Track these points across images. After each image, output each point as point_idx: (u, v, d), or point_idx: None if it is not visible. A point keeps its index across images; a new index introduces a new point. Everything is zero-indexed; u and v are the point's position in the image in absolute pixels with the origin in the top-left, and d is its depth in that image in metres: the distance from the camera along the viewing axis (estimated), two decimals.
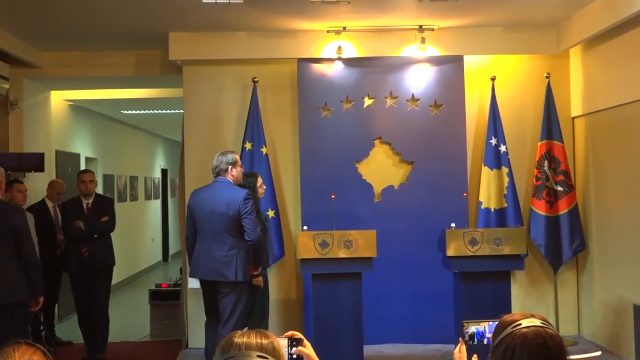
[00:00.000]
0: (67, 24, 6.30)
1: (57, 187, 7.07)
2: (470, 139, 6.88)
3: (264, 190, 5.93)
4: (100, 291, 6.52)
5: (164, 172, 15.71)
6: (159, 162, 15.28)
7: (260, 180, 5.85)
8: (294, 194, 6.79)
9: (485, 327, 2.42)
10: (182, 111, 7.05)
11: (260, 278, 5.64)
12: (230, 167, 5.30)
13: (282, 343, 1.73)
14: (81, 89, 8.83)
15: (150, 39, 6.78)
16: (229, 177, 5.31)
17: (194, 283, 5.71)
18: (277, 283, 6.84)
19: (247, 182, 5.65)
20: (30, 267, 4.70)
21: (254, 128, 6.58)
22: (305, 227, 5.70)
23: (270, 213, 6.51)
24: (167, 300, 7.62)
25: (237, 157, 5.42)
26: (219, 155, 5.38)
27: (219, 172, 5.34)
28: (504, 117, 6.76)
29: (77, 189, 6.69)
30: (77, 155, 9.66)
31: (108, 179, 11.09)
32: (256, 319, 5.79)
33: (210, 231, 5.24)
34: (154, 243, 14.41)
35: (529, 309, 6.21)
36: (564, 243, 6.71)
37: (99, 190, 10.01)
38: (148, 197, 13.95)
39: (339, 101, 6.72)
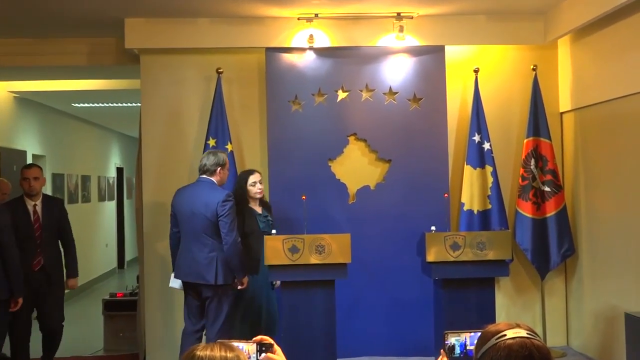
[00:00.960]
0: (12, 8, 6.21)
1: (1, 188, 6.91)
2: (452, 136, 6.92)
3: (259, 190, 5.96)
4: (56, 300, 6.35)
5: (119, 170, 15.58)
6: (114, 160, 15.15)
7: (253, 178, 5.94)
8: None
9: (467, 338, 2.43)
10: (139, 104, 7.00)
11: (246, 279, 5.67)
12: (219, 168, 5.62)
13: (251, 348, 1.72)
14: (28, 80, 8.72)
15: (105, 26, 6.71)
16: (215, 178, 5.62)
17: (174, 283, 5.80)
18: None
19: (239, 179, 5.97)
20: (9, 266, 4.79)
21: (218, 123, 6.56)
22: (273, 231, 5.67)
23: None
24: (122, 310, 7.55)
25: (227, 160, 5.74)
26: (209, 154, 5.68)
27: (205, 171, 5.62)
28: (487, 112, 6.81)
29: (20, 188, 6.28)
30: (23, 153, 9.53)
31: (57, 178, 10.96)
32: (269, 323, 5.90)
33: (191, 232, 5.58)
34: (109, 249, 14.28)
35: (514, 318, 6.23)
36: (551, 247, 6.77)
37: (47, 190, 9.90)
38: (102, 199, 13.83)
39: (310, 94, 6.72)
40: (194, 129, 6.81)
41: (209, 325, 5.55)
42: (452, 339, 2.38)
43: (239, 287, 5.66)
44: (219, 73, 6.64)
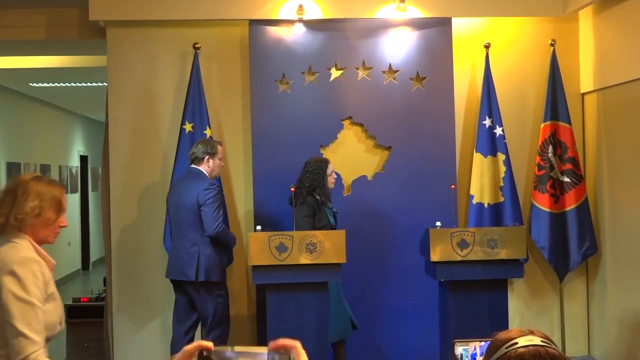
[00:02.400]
0: None
1: None
2: (460, 120, 6.94)
3: (334, 180, 6.20)
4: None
5: (83, 159, 15.55)
6: (77, 148, 15.12)
7: (331, 167, 6.16)
8: (244, 186, 6.77)
9: (477, 348, 2.45)
10: (106, 84, 6.98)
11: None
12: (207, 157, 5.88)
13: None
14: None
15: None
16: (204, 168, 5.90)
17: None
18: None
19: (317, 167, 6.05)
20: None
21: (195, 106, 6.56)
22: (258, 227, 5.69)
23: None
24: (87, 317, 7.55)
25: (220, 148, 6.00)
26: (199, 142, 5.99)
27: (193, 160, 5.94)
28: (500, 94, 6.83)
29: None
30: None
31: (13, 167, 10.94)
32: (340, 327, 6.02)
33: (176, 226, 5.95)
34: (71, 247, 14.27)
35: (529, 325, 6.26)
36: (571, 245, 6.80)
37: (1, 182, 9.87)
38: None
39: (299, 73, 6.72)
40: (168, 112, 6.80)
41: (203, 332, 5.82)
42: (461, 349, 2.40)
43: None
44: (196, 49, 6.63)
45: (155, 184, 6.74)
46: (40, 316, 2.94)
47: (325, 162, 6.18)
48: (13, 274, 2.92)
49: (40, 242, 3.12)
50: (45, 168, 12.55)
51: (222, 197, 6.01)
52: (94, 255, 15.63)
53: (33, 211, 3.04)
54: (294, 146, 6.65)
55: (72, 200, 14.53)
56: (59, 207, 3.14)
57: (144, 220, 6.72)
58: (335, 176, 6.27)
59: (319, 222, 5.97)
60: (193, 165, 5.95)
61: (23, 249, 3.02)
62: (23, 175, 3.18)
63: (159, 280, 6.66)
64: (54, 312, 3.08)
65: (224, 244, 5.97)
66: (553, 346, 1.78)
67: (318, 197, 6.02)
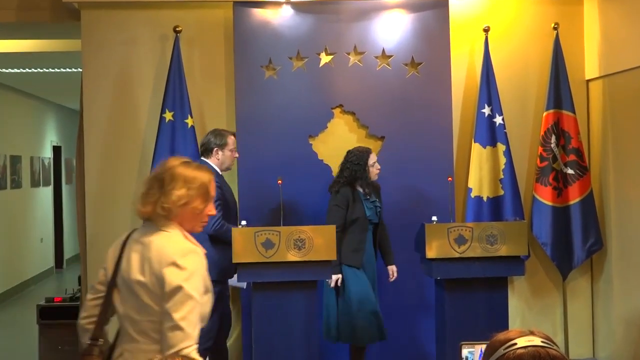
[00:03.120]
0: None
1: None
2: (457, 108, 6.94)
3: (378, 170, 6.24)
4: None
5: (56, 150, 15.50)
6: (50, 138, 15.07)
7: (373, 158, 6.22)
8: (228, 178, 6.74)
9: (472, 352, 2.46)
10: (80, 70, 6.96)
11: None
12: (215, 148, 5.98)
13: None
14: None
15: None
16: (213, 160, 5.97)
17: (235, 282, 5.98)
18: None
19: (358, 157, 6.13)
20: None
21: (175, 93, 6.55)
22: (243, 222, 5.69)
23: None
24: (61, 319, 7.52)
25: (232, 139, 6.06)
26: (209, 133, 6.11)
27: (202, 152, 6.07)
28: (500, 80, 6.84)
29: None
30: None
31: None
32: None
33: None
34: (44, 244, 14.23)
35: (531, 325, 6.28)
36: (575, 241, 6.83)
37: None
38: (35, 184, 13.76)
39: (287, 58, 6.71)
40: (146, 99, 6.79)
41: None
42: (467, 351, 2.41)
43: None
44: (176, 32, 6.61)
45: (134, 177, 6.72)
46: (197, 310, 2.98)
47: (367, 152, 6.23)
48: (176, 265, 2.95)
49: (188, 231, 3.14)
50: (15, 159, 12.50)
51: (224, 191, 5.96)
52: (68, 253, 15.59)
53: (180, 200, 3.07)
54: (280, 136, 6.64)
55: (45, 194, 14.50)
56: (207, 196, 3.15)
57: (122, 215, 6.69)
58: (380, 167, 6.26)
59: (352, 215, 6.04)
60: (202, 158, 6.03)
61: (179, 239, 3.06)
62: (171, 160, 3.20)
63: None
64: (207, 304, 3.13)
65: (226, 242, 5.83)
66: (554, 347, 1.78)
67: (360, 189, 6.12)
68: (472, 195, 6.78)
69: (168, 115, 6.54)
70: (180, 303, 2.93)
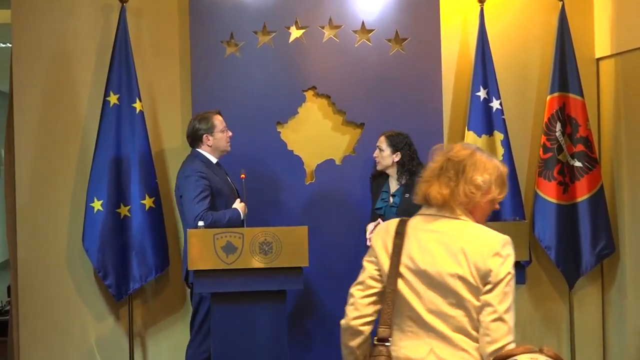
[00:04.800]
0: None
1: None
2: (449, 91, 6.96)
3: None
4: None
5: None
6: None
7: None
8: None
9: None
10: (10, 46, 6.90)
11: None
12: (205, 135, 6.07)
13: None
14: None
15: None
16: (205, 149, 6.10)
17: None
18: (158, 306, 6.84)
19: (401, 139, 6.27)
20: None
21: (121, 73, 6.54)
22: (200, 223, 5.66)
23: (148, 201, 6.51)
24: None
25: (220, 118, 6.14)
26: (191, 120, 6.18)
27: (191, 143, 6.16)
28: (497, 59, 6.85)
29: None
30: None
31: None
32: None
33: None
34: None
35: (533, 339, 6.26)
36: (583, 244, 6.85)
37: None
38: None
39: (251, 32, 6.69)
40: (87, 80, 6.75)
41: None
42: None
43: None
44: (122, 2, 6.58)
45: (73, 170, 6.68)
46: (514, 304, 3.16)
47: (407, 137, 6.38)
48: (499, 255, 3.15)
49: (476, 222, 3.31)
50: None
51: (213, 182, 5.93)
52: None
53: (481, 188, 3.27)
54: (244, 123, 6.61)
55: None
56: (503, 186, 3.36)
57: (59, 215, 6.65)
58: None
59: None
60: (193, 148, 6.15)
61: (485, 228, 3.26)
62: (461, 146, 3.37)
63: (78, 288, 6.62)
64: None
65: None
66: None
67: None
68: None
69: (113, 99, 6.51)
70: (504, 295, 3.11)
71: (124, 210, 6.52)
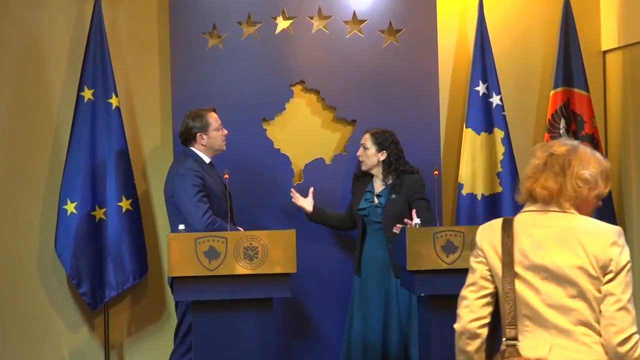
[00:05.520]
0: None
1: None
2: (446, 86, 6.97)
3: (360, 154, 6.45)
4: None
5: None
6: None
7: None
8: (162, 172, 6.70)
9: None
10: None
11: None
12: (199, 133, 6.05)
13: None
14: None
15: None
16: (198, 148, 6.08)
17: None
18: (136, 316, 6.84)
19: (387, 137, 6.30)
20: None
21: (96, 66, 6.54)
22: (181, 227, 5.64)
23: (125, 203, 6.51)
24: None
25: (215, 115, 6.13)
26: (184, 118, 6.13)
27: (184, 141, 6.15)
28: (497, 51, 6.86)
29: None
30: None
31: None
32: None
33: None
34: None
35: None
36: None
37: None
38: None
39: (235, 23, 6.68)
40: (60, 74, 6.74)
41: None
42: None
43: None
44: None
45: (45, 170, 6.68)
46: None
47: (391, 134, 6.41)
48: (617, 245, 3.23)
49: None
50: None
51: (209, 182, 5.94)
52: None
53: (589, 182, 3.33)
54: (228, 119, 6.54)
55: None
56: (607, 181, 3.42)
57: (30, 218, 6.63)
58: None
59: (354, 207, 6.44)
60: (187, 147, 6.13)
61: (596, 220, 3.32)
62: (563, 140, 3.46)
63: (50, 296, 6.61)
64: None
65: None
66: None
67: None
68: (464, 192, 6.81)
69: (87, 94, 6.51)
70: (626, 284, 3.20)
71: (99, 213, 6.52)
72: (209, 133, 6.05)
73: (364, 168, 6.31)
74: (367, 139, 6.26)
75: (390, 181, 6.23)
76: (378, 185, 6.31)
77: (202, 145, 6.06)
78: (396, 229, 6.03)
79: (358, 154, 6.30)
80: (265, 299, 5.53)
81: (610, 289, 3.16)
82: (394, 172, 6.22)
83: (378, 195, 6.27)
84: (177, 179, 5.90)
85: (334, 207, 6.65)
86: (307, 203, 6.39)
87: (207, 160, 6.07)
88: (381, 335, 6.20)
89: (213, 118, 6.09)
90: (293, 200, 6.38)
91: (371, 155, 6.24)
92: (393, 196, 6.16)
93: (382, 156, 6.22)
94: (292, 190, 6.44)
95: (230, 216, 5.78)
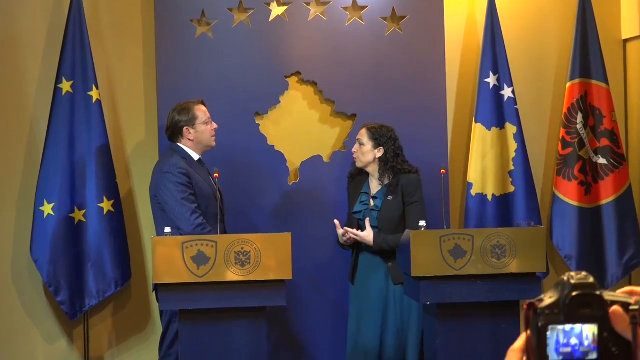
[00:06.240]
0: None
1: None
2: (453, 77, 6.98)
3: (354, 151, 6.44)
4: None
5: None
6: None
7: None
8: (147, 170, 6.70)
9: None
10: None
11: None
12: (186, 127, 6.03)
13: None
14: None
15: None
16: (186, 144, 6.08)
17: None
18: (118, 326, 6.83)
19: (384, 133, 6.24)
20: None
21: (76, 56, 6.54)
22: (167, 230, 5.64)
23: (106, 204, 6.51)
24: None
25: (203, 108, 6.13)
26: (171, 111, 6.14)
27: (170, 137, 6.14)
28: (509, 41, 6.86)
29: None
30: None
31: None
32: None
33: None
34: None
35: None
36: (608, 253, 6.86)
37: None
38: None
39: (226, 9, 6.69)
40: (36, 65, 6.74)
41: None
42: None
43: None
44: None
45: (20, 168, 6.67)
46: None
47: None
48: None
49: None
50: None
51: (196, 181, 5.95)
52: None
53: None
54: (218, 114, 6.53)
55: None
56: None
57: (4, 221, 6.63)
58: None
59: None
60: (173, 143, 6.12)
61: None
62: None
63: (26, 305, 6.62)
64: None
65: None
66: None
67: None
68: (473, 192, 6.81)
69: (65, 86, 6.51)
70: None
71: (78, 215, 6.51)
72: (196, 127, 6.03)
73: (358, 165, 6.29)
74: (363, 134, 6.24)
75: (386, 181, 6.22)
76: (374, 186, 6.29)
77: (190, 140, 6.04)
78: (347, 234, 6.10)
79: (353, 150, 6.29)
80: (258, 308, 5.54)
81: None
82: (391, 170, 6.19)
83: (374, 197, 6.26)
84: (161, 177, 5.91)
85: (332, 209, 6.65)
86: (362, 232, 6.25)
87: (196, 157, 6.06)
88: (378, 353, 6.18)
89: (201, 111, 6.08)
90: (348, 235, 6.14)
91: (367, 152, 6.21)
92: (389, 198, 6.15)
93: (379, 153, 6.19)
94: (344, 228, 6.20)
95: (220, 218, 5.78)
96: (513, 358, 2.06)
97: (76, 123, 6.48)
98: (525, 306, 1.75)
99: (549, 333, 1.73)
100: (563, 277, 1.72)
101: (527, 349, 1.87)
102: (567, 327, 1.71)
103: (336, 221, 6.17)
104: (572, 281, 1.68)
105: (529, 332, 1.79)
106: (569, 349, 1.73)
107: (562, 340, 1.72)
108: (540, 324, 1.73)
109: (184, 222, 5.75)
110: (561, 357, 1.72)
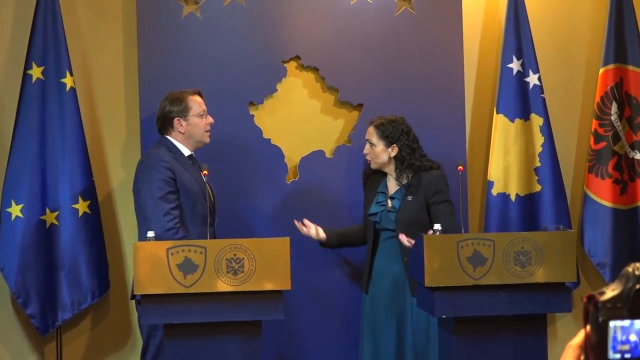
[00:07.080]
0: None
1: None
2: (472, 62, 6.99)
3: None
4: None
5: None
6: None
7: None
8: (127, 167, 6.70)
9: None
10: None
11: None
12: (177, 118, 6.06)
13: None
14: None
15: None
16: (176, 136, 6.11)
17: None
18: (95, 342, 6.83)
19: (395, 128, 6.18)
20: None
21: (47, 40, 6.56)
22: (150, 234, 5.60)
23: (82, 206, 6.50)
24: None
25: (199, 99, 6.15)
26: (163, 100, 6.18)
27: (160, 129, 6.17)
28: (535, 22, 6.86)
29: None
30: None
31: None
32: None
33: None
34: None
35: None
36: None
37: None
38: None
39: None
40: (3, 48, 6.75)
41: None
42: None
43: None
44: None
45: None
46: None
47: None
48: None
49: None
50: None
51: (182, 179, 5.97)
52: None
53: None
54: (207, 103, 6.51)
55: None
56: None
57: None
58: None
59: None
60: (162, 135, 6.15)
61: None
62: None
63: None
64: None
65: None
66: None
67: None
68: (494, 192, 6.80)
69: (36, 72, 6.52)
70: None
71: (50, 217, 6.51)
72: (188, 119, 6.03)
73: (373, 167, 6.28)
74: (371, 134, 6.21)
75: (405, 180, 6.17)
76: (392, 185, 6.26)
77: (180, 133, 6.05)
78: (407, 242, 5.96)
79: (365, 152, 6.26)
80: (253, 322, 5.53)
81: None
82: (409, 168, 6.14)
83: (392, 198, 6.24)
84: (141, 171, 5.96)
85: (336, 209, 6.70)
86: (317, 230, 6.28)
87: (187, 152, 6.05)
88: None
89: (195, 102, 6.09)
90: (302, 232, 6.26)
91: (380, 153, 6.17)
92: (409, 198, 6.11)
93: (393, 151, 6.15)
94: (296, 221, 6.30)
95: (210, 221, 5.76)
96: (570, 355, 2.09)
97: (48, 114, 6.46)
98: (584, 299, 1.80)
99: (610, 329, 1.77)
100: (628, 268, 1.70)
101: (585, 346, 1.86)
102: (626, 322, 1.76)
103: (295, 221, 6.25)
104: (638, 272, 1.66)
105: (588, 327, 1.83)
106: (627, 347, 1.76)
107: (620, 337, 1.76)
108: (601, 319, 1.78)
109: (155, 223, 5.76)
110: (618, 356, 1.76)
